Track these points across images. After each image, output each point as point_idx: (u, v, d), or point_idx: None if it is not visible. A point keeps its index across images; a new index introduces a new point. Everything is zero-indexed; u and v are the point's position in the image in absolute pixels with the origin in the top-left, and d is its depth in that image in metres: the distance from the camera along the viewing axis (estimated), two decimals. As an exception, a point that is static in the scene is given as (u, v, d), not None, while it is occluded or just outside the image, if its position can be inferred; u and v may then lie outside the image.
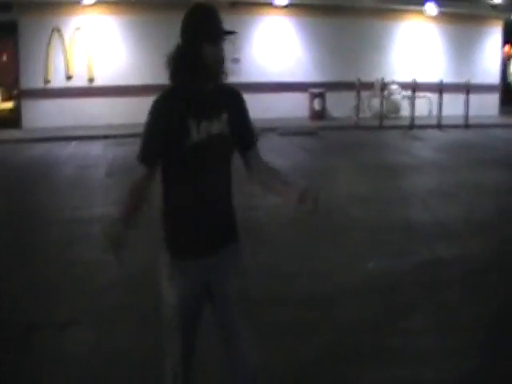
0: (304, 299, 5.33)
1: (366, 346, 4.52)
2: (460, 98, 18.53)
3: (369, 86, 18.91)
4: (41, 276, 6.01)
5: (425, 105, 19.26)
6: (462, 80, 18.99)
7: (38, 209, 8.94)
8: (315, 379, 4.05)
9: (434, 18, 20.52)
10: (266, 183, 2.93)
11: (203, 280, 2.86)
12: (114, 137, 15.55)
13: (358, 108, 18.34)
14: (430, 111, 19.32)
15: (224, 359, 2.97)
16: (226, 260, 2.87)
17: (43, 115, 17.36)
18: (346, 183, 10.75)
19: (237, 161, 2.94)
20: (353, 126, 17.85)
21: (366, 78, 18.58)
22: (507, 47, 23.95)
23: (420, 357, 4.34)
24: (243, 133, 2.89)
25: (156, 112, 2.76)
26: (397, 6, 19.87)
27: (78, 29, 17.80)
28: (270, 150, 10.41)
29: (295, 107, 19.16)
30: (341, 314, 5.07)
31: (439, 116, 18.20)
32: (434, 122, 18.29)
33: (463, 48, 21.11)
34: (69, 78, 17.99)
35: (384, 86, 18.55)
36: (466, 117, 18.31)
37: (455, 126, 18.20)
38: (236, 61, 15.98)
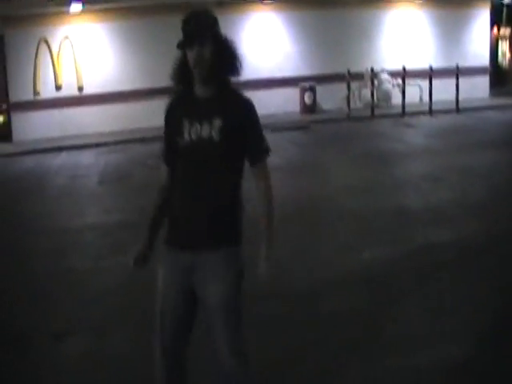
0: (295, 292, 5.31)
1: (358, 335, 4.51)
2: (450, 82, 18.47)
3: (359, 76, 18.88)
4: (34, 285, 6.02)
5: (415, 92, 19.22)
6: (451, 64, 18.93)
7: (30, 219, 8.94)
8: (304, 372, 4.02)
9: (421, 4, 20.47)
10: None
11: (186, 276, 2.89)
12: (105, 144, 15.53)
13: (348, 99, 18.30)
14: (421, 98, 19.28)
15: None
16: (209, 263, 2.87)
17: (34, 127, 17.31)
18: (338, 174, 10.74)
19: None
20: (344, 117, 17.82)
21: (355, 69, 18.54)
22: (496, 29, 23.90)
23: (414, 344, 4.33)
24: (247, 147, 2.89)
25: (165, 117, 3.00)
26: (383, -5, 19.86)
27: (65, 38, 17.76)
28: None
29: (286, 102, 19.12)
30: (333, 304, 5.05)
31: (430, 102, 18.16)
32: (425, 108, 18.25)
33: (451, 32, 21.04)
34: (58, 88, 17.95)
35: (374, 75, 18.52)
36: (457, 101, 18.27)
37: (446, 111, 18.16)
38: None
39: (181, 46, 2.82)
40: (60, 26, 17.63)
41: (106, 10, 17.64)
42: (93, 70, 18.01)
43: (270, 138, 12.07)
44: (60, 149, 15.55)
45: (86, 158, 14.33)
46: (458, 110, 18.25)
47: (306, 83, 19.09)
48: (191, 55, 2.79)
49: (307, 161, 11.56)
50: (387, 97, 19.65)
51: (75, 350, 4.62)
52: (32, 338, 4.78)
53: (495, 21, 22.83)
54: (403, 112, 17.89)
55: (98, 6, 17.30)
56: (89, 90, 18.03)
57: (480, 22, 21.71)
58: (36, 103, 17.61)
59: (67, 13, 17.19)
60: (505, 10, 22.67)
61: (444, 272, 5.70)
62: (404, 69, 18.20)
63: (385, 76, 19.62)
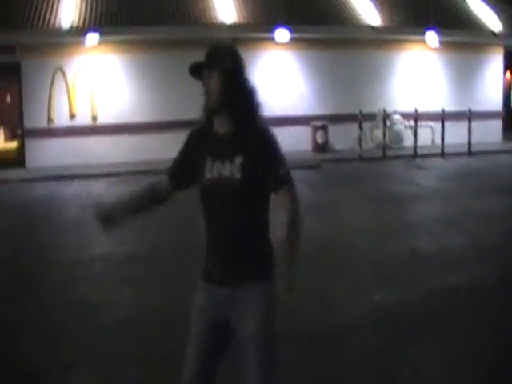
0: (309, 334, 5.25)
1: (370, 378, 4.44)
2: (463, 125, 18.54)
3: (371, 117, 18.96)
4: (44, 316, 5.97)
5: (427, 134, 19.27)
6: (464, 108, 19.03)
7: (41, 249, 8.91)
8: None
9: (435, 47, 20.62)
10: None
11: (222, 309, 2.86)
12: (117, 174, 15.58)
13: (360, 139, 18.35)
14: (433, 140, 19.31)
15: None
16: (247, 297, 2.83)
17: (47, 154, 17.43)
18: (349, 215, 10.70)
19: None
20: (356, 157, 17.84)
21: (368, 110, 18.65)
22: (509, 74, 24.05)
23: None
24: (268, 176, 2.81)
25: (186, 141, 3.00)
26: (397, 37, 20.02)
27: (80, 68, 17.97)
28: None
29: (298, 141, 19.14)
30: (346, 347, 4.99)
31: (442, 144, 18.18)
32: (437, 150, 18.27)
33: (465, 76, 21.18)
34: (72, 116, 18.11)
35: (386, 116, 18.60)
36: (469, 144, 18.30)
37: (458, 154, 18.18)
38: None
39: (189, 71, 2.85)
40: (76, 56, 17.86)
41: (121, 42, 17.88)
42: (107, 101, 18.17)
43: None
44: (72, 177, 15.62)
45: (98, 187, 14.35)
46: (470, 153, 18.26)
47: (319, 122, 19.17)
48: (204, 86, 2.82)
49: (318, 200, 11.52)
50: (399, 138, 19.70)
51: (84, 382, 4.57)
52: (41, 369, 4.74)
53: (508, 66, 22.99)
54: (415, 154, 17.91)
55: (113, 38, 17.55)
56: (102, 120, 18.17)
57: (493, 67, 21.87)
58: (50, 131, 17.75)
59: (83, 43, 17.42)
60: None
61: (456, 316, 5.64)
62: (416, 111, 18.27)
63: (397, 117, 19.70)
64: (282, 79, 19.59)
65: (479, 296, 6.18)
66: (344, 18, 19.78)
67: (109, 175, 15.72)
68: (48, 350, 5.12)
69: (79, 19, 17.48)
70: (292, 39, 18.90)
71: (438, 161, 17.62)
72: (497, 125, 21.60)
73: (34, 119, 17.67)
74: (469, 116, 18.40)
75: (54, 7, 17.76)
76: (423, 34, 19.85)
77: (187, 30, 17.36)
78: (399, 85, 20.70)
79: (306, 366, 4.68)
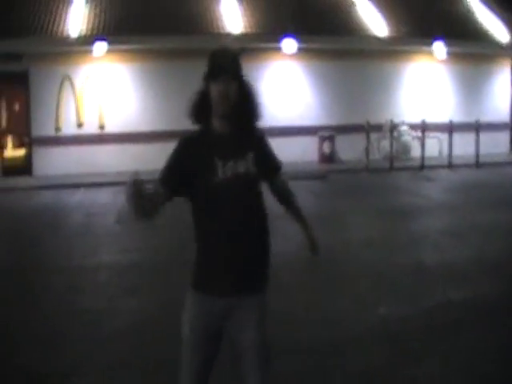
0: (312, 347, 5.21)
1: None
2: (470, 137, 18.48)
3: (378, 127, 18.92)
4: (45, 324, 5.96)
5: (435, 145, 19.22)
6: (471, 119, 18.96)
7: (46, 256, 8.92)
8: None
9: (442, 58, 20.59)
10: (286, 207, 3.23)
11: (220, 320, 2.86)
12: (124, 183, 15.49)
13: (367, 150, 18.30)
14: (441, 151, 19.25)
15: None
16: (249, 306, 2.88)
17: (54, 162, 17.46)
18: (355, 227, 10.65)
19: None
20: (363, 168, 17.78)
21: (375, 120, 18.60)
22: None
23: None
24: (269, 167, 3.09)
25: (175, 150, 2.93)
26: (405, 48, 20.00)
27: (88, 77, 18.03)
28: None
29: (304, 151, 19.15)
30: (350, 362, 4.94)
31: (450, 156, 18.12)
32: (444, 162, 18.21)
33: (472, 87, 21.12)
34: (79, 125, 18.14)
35: (393, 127, 18.56)
36: (477, 156, 18.23)
37: (466, 166, 18.11)
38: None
39: (208, 76, 2.83)
40: (84, 64, 17.92)
41: (129, 51, 17.93)
42: (114, 110, 18.21)
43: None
44: (78, 186, 15.64)
45: (104, 196, 14.36)
46: (477, 164, 18.18)
47: (325, 133, 19.14)
48: (216, 88, 2.80)
49: (324, 211, 11.48)
50: (406, 149, 19.64)
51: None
52: (41, 376, 4.72)
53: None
54: (422, 165, 17.85)
55: (121, 47, 17.60)
56: (110, 129, 18.20)
57: (501, 78, 21.82)
58: (57, 139, 17.78)
59: (91, 52, 17.48)
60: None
61: (461, 330, 5.58)
62: (424, 122, 18.22)
63: (404, 128, 19.65)
64: (289, 89, 19.58)
65: (484, 310, 6.11)
66: (351, 29, 19.78)
67: (115, 184, 15.69)
68: (48, 358, 5.10)
69: (87, 28, 17.55)
70: (299, 49, 18.91)
71: (445, 172, 17.55)
72: (505, 136, 21.53)
73: (42, 127, 17.71)
74: (476, 127, 18.34)
75: (62, 16, 17.84)
76: (430, 45, 19.82)
77: (195, 40, 17.38)
78: (406, 96, 20.67)
79: (308, 378, 4.64)
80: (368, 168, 17.73)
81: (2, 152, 17.91)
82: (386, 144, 18.95)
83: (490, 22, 21.68)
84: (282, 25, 18.88)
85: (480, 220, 10.58)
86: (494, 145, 20.08)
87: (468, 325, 5.73)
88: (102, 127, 18.24)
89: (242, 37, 18.31)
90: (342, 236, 9.76)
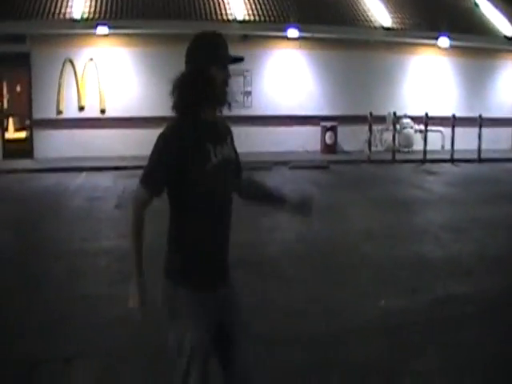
0: (312, 338, 5.18)
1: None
2: (473, 131, 18.43)
3: (381, 119, 18.88)
4: (46, 308, 5.92)
5: (437, 139, 19.17)
6: (474, 114, 18.92)
7: (46, 240, 8.88)
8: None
9: (447, 52, 20.52)
10: (255, 197, 3.17)
11: (217, 315, 2.84)
12: (125, 168, 15.52)
13: (369, 142, 18.25)
14: (443, 145, 19.21)
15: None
16: (231, 288, 2.92)
17: (55, 145, 17.43)
18: (356, 218, 10.62)
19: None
20: (365, 160, 17.76)
21: (378, 112, 18.55)
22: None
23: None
24: (237, 161, 3.03)
25: (167, 145, 2.73)
26: (409, 40, 19.92)
27: (90, 60, 17.94)
28: (281, 184, 10.29)
29: (307, 141, 19.12)
30: (350, 354, 4.91)
31: (452, 150, 18.08)
32: (446, 155, 18.18)
33: (476, 81, 21.07)
34: (81, 108, 18.09)
35: (396, 119, 18.50)
36: (479, 150, 18.19)
37: (468, 160, 18.08)
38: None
39: (212, 62, 2.74)
40: (85, 47, 17.85)
41: (131, 36, 17.87)
42: (116, 94, 18.16)
43: (289, 175, 12.18)
44: (79, 169, 15.61)
45: (105, 180, 14.33)
46: (480, 159, 18.15)
47: (328, 123, 19.09)
48: (222, 75, 2.77)
49: (325, 202, 11.44)
50: (409, 142, 19.62)
51: (85, 376, 4.54)
52: (42, 362, 4.69)
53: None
54: (424, 158, 17.82)
55: (123, 31, 17.52)
56: (111, 113, 18.15)
57: (505, 73, 21.76)
58: (58, 122, 17.74)
59: (93, 35, 17.39)
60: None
61: (461, 324, 5.56)
62: (427, 115, 18.16)
63: (407, 121, 19.61)
64: (292, 78, 19.52)
65: (485, 305, 6.10)
66: (356, 19, 19.70)
67: (116, 168, 15.69)
68: (49, 343, 5.07)
69: (90, 11, 17.45)
70: (303, 38, 18.84)
71: (447, 166, 17.53)
72: (507, 132, 21.49)
73: (43, 110, 17.67)
74: (479, 122, 18.29)
75: (66, -2, 17.74)
76: (435, 37, 19.77)
77: (198, 26, 17.20)
78: (410, 88, 20.62)
79: (307, 369, 4.61)
80: (370, 159, 17.70)
81: (4, 134, 17.84)
82: (388, 136, 18.91)
83: (495, 16, 21.58)
84: (285, 13, 18.79)
85: (481, 214, 10.56)
86: (496, 140, 20.05)
87: (468, 319, 5.71)
88: (103, 111, 18.18)
89: (246, 24, 18.22)
90: (342, 227, 9.74)
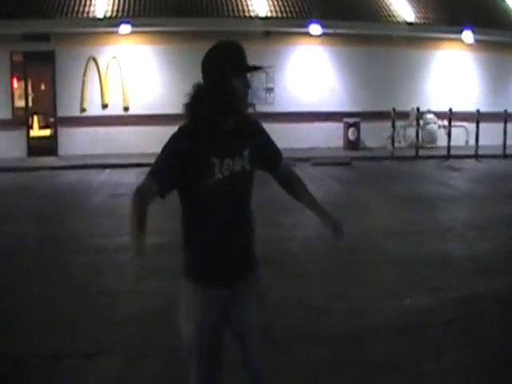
0: (334, 336, 5.16)
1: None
2: (497, 127, 18.23)
3: (404, 115, 18.73)
4: (67, 304, 5.96)
5: (461, 134, 18.98)
6: (499, 109, 18.70)
7: (68, 235, 8.98)
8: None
9: (471, 47, 20.29)
10: (296, 196, 3.15)
11: (223, 310, 2.85)
12: (148, 165, 15.35)
13: (393, 138, 18.12)
14: (467, 141, 19.01)
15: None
16: (248, 286, 2.89)
17: (79, 143, 17.58)
18: (379, 215, 10.55)
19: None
20: (388, 156, 17.64)
21: (401, 108, 18.41)
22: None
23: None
24: (269, 158, 3.03)
25: (175, 145, 2.78)
26: (432, 35, 19.74)
27: (113, 58, 18.05)
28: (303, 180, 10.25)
29: (329, 137, 19.05)
30: (370, 353, 4.87)
31: (476, 146, 17.88)
32: (471, 151, 17.98)
33: (500, 77, 20.81)
34: (104, 106, 18.22)
35: (419, 115, 18.34)
36: (504, 146, 17.97)
37: (493, 156, 17.87)
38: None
39: (233, 72, 2.73)
40: (109, 45, 17.96)
41: (154, 33, 17.91)
42: (139, 92, 18.25)
43: (312, 171, 12.09)
44: (103, 166, 15.72)
45: (128, 177, 14.38)
46: (505, 155, 17.93)
47: (351, 119, 19.01)
48: (241, 84, 2.74)
49: (348, 199, 11.38)
50: (432, 138, 19.45)
51: (107, 372, 4.55)
52: (64, 357, 4.72)
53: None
54: (448, 154, 17.65)
55: (146, 29, 17.59)
56: (134, 110, 18.24)
57: (531, 68, 21.45)
58: (82, 120, 17.88)
59: (116, 33, 17.47)
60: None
61: (486, 324, 5.48)
62: (450, 111, 17.99)
63: (430, 116, 19.43)
64: (315, 74, 19.45)
65: (510, 304, 6.00)
66: (379, 15, 19.57)
67: (139, 165, 15.70)
68: (71, 338, 5.10)
69: (113, 9, 17.55)
70: (325, 34, 18.76)
71: (471, 162, 17.34)
72: (533, 127, 21.17)
73: (67, 107, 17.83)
74: (505, 117, 18.06)
75: (89, -4, 17.86)
76: (459, 32, 19.56)
77: (220, 23, 17.30)
78: (433, 84, 20.43)
79: (327, 366, 4.59)
80: (393, 156, 17.58)
81: (28, 132, 18.03)
82: (411, 132, 18.76)
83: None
84: (308, 9, 18.72)
85: (506, 212, 10.42)
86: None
87: (493, 318, 5.63)
88: (126, 109, 18.28)
89: (268, 20, 18.17)
90: (365, 224, 9.66)
